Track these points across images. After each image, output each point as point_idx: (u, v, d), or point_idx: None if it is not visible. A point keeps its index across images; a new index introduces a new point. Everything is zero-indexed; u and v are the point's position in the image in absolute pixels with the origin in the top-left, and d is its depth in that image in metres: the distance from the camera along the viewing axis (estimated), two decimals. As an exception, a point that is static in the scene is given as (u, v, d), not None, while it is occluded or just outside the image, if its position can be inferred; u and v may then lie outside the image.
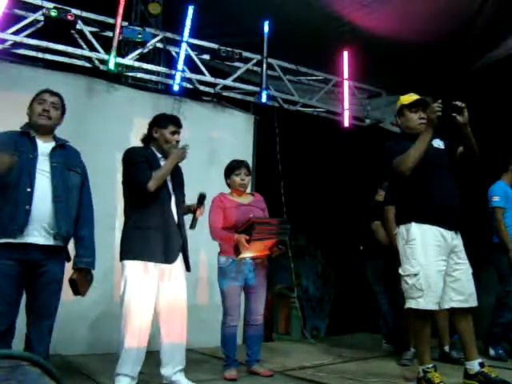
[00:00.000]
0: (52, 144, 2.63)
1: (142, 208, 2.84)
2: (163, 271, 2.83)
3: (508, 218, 4.09)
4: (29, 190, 2.43)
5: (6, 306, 2.40)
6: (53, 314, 2.56)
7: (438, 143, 3.09)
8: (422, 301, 2.80)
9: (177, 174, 3.01)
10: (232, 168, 3.47)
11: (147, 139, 3.03)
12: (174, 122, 3.00)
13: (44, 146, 2.59)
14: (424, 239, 2.85)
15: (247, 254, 3.21)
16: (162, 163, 2.91)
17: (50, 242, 2.49)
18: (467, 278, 2.93)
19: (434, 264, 2.83)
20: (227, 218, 3.31)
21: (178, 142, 2.97)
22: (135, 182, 2.83)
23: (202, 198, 3.00)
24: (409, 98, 3.08)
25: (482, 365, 2.84)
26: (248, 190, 3.57)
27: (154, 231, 2.80)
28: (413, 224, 2.89)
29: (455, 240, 2.93)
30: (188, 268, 2.99)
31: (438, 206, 2.90)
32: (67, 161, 2.64)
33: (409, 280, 2.87)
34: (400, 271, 2.96)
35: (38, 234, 2.45)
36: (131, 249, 2.80)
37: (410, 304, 2.87)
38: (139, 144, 3.04)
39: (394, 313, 4.22)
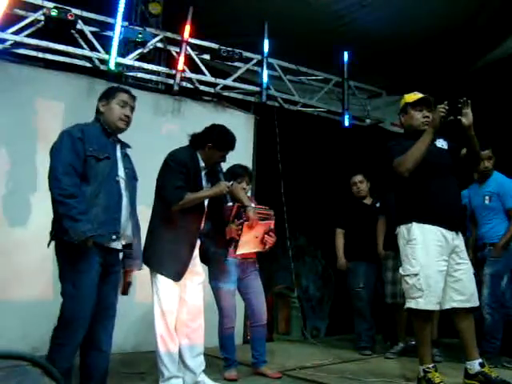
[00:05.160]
0: (118, 147, 2.58)
1: (165, 219, 2.83)
2: (184, 279, 2.84)
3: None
4: (117, 198, 2.43)
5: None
6: (115, 314, 2.56)
7: (442, 143, 3.09)
8: (421, 301, 2.80)
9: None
10: (236, 174, 3.38)
11: (196, 144, 2.94)
12: (231, 146, 2.92)
13: (118, 150, 2.56)
14: (425, 239, 2.85)
15: (244, 250, 3.13)
16: (203, 173, 2.91)
17: (121, 246, 2.52)
18: (468, 278, 2.92)
19: (434, 264, 2.82)
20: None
21: (222, 161, 2.96)
22: (163, 197, 2.82)
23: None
24: (413, 96, 3.07)
25: (482, 365, 2.84)
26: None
27: (170, 245, 2.79)
28: (414, 224, 2.88)
29: (456, 240, 2.92)
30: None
31: (440, 206, 2.89)
32: (132, 168, 2.64)
33: (409, 280, 2.86)
34: (400, 271, 2.96)
35: (118, 238, 2.45)
36: (151, 259, 2.82)
37: (410, 304, 2.86)
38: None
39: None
